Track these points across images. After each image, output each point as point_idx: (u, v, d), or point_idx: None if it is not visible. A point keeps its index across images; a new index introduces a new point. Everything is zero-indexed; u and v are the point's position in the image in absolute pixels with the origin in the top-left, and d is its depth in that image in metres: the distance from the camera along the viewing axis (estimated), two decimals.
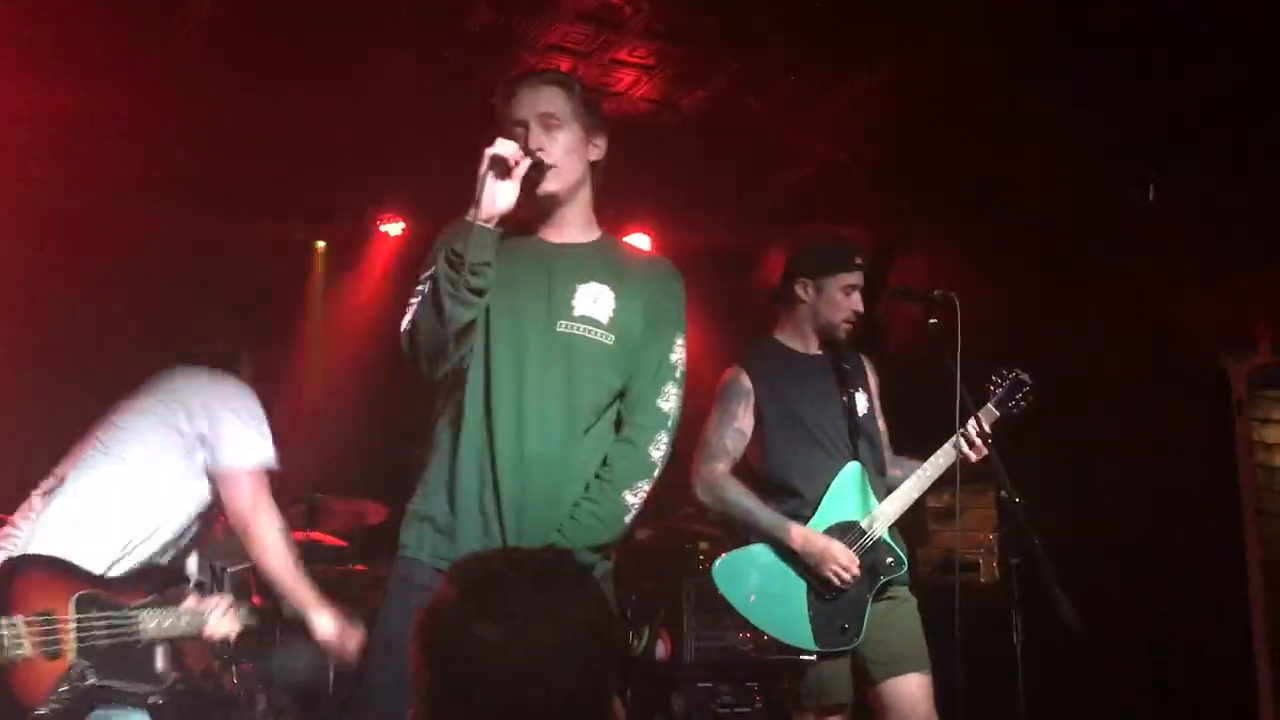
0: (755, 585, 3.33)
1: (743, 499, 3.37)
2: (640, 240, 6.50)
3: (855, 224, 5.78)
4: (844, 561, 3.28)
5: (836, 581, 3.28)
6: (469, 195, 2.45)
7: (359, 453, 6.20)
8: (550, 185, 2.58)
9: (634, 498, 2.58)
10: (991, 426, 3.43)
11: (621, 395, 2.64)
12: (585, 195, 2.71)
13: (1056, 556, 3.01)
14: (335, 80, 5.14)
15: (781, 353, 3.56)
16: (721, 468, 3.41)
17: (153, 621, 2.92)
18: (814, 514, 3.37)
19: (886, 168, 5.72)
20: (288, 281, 6.60)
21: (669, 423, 2.63)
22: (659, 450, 2.61)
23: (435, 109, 5.21)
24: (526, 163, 2.48)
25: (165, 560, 3.10)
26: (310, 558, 4.19)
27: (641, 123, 5.61)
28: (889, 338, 5.44)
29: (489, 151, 2.44)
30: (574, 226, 2.69)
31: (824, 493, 3.38)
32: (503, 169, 2.44)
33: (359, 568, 5.25)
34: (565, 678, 1.46)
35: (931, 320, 3.21)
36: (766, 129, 5.68)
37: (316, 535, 5.28)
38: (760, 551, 3.36)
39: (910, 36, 4.72)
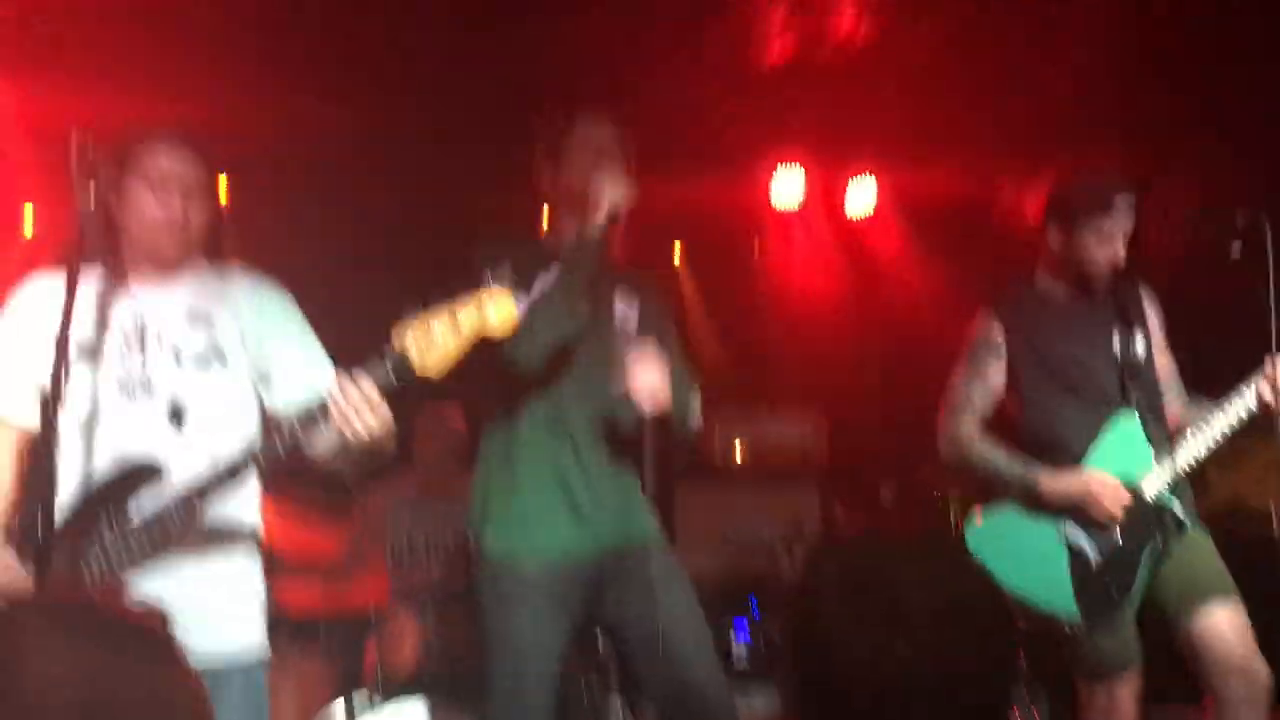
0: (1010, 548, 3.06)
1: (988, 453, 3.12)
2: (868, 183, 6.21)
3: (1111, 144, 5.20)
4: (1110, 495, 2.98)
5: (1108, 520, 2.99)
6: None
7: None
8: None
9: None
10: None
11: None
12: None
13: None
14: None
15: (1039, 296, 3.24)
16: (969, 422, 3.15)
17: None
18: None
19: (1147, 72, 5.07)
20: None
21: None
22: None
23: None
24: None
25: None
26: None
27: (863, 58, 5.28)
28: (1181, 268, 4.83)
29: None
30: None
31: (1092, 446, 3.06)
32: None
33: None
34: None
35: (1235, 243, 2.84)
36: (1004, 50, 5.22)
37: None
38: (1013, 510, 3.10)
39: None
